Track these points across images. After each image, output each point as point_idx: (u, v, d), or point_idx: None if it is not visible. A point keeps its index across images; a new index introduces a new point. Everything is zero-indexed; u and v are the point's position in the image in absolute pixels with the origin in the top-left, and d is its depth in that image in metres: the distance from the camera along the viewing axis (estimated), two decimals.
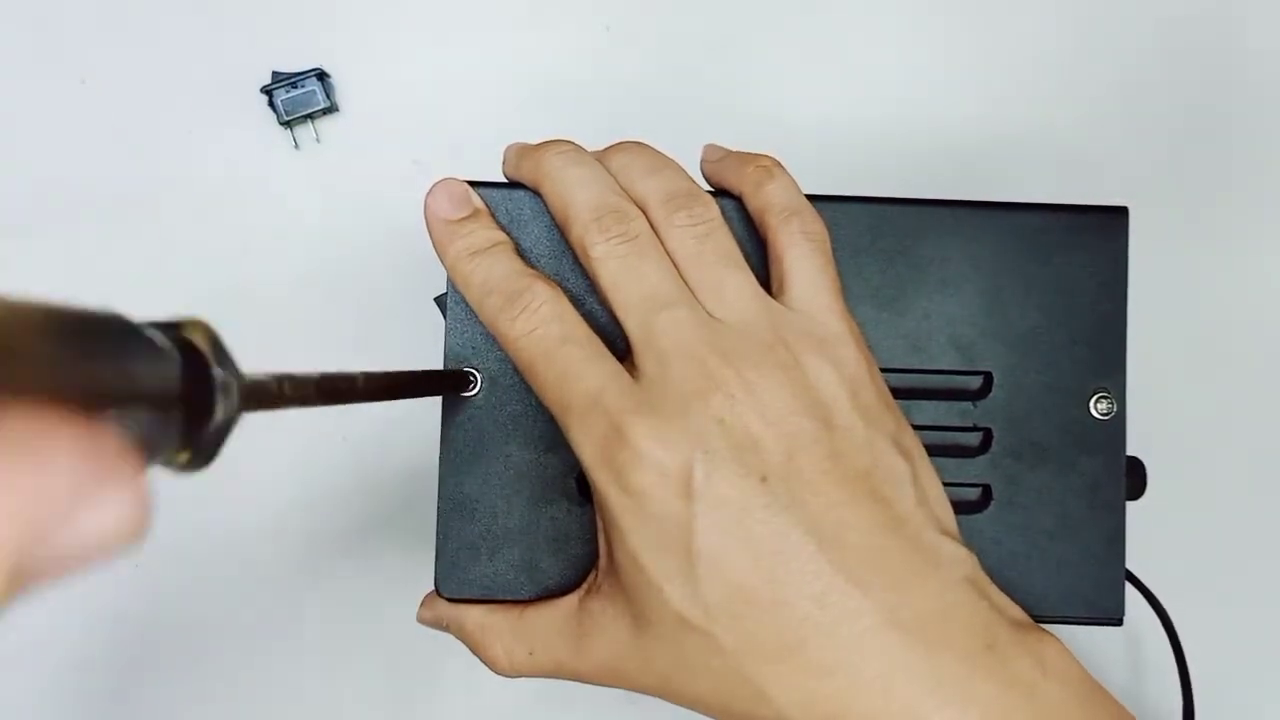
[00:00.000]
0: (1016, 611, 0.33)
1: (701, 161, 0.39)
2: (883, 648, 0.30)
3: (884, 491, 0.32)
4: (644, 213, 0.35)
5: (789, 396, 0.32)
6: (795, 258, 0.35)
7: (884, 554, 0.31)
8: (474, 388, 0.38)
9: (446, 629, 0.38)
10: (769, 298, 0.34)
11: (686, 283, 0.34)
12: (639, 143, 0.37)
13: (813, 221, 0.36)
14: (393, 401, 0.53)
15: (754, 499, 0.31)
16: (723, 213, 0.36)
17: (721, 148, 0.39)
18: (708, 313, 0.33)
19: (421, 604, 0.39)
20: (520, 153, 0.38)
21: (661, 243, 0.34)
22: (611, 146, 0.37)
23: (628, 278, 0.34)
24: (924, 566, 0.32)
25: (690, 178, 0.36)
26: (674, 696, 0.33)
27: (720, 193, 0.38)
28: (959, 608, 0.32)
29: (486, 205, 0.38)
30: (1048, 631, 0.33)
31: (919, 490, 0.33)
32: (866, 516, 0.32)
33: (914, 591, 0.31)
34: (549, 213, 0.37)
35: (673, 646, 0.32)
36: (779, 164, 0.37)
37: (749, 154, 0.38)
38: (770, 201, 0.36)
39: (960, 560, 0.33)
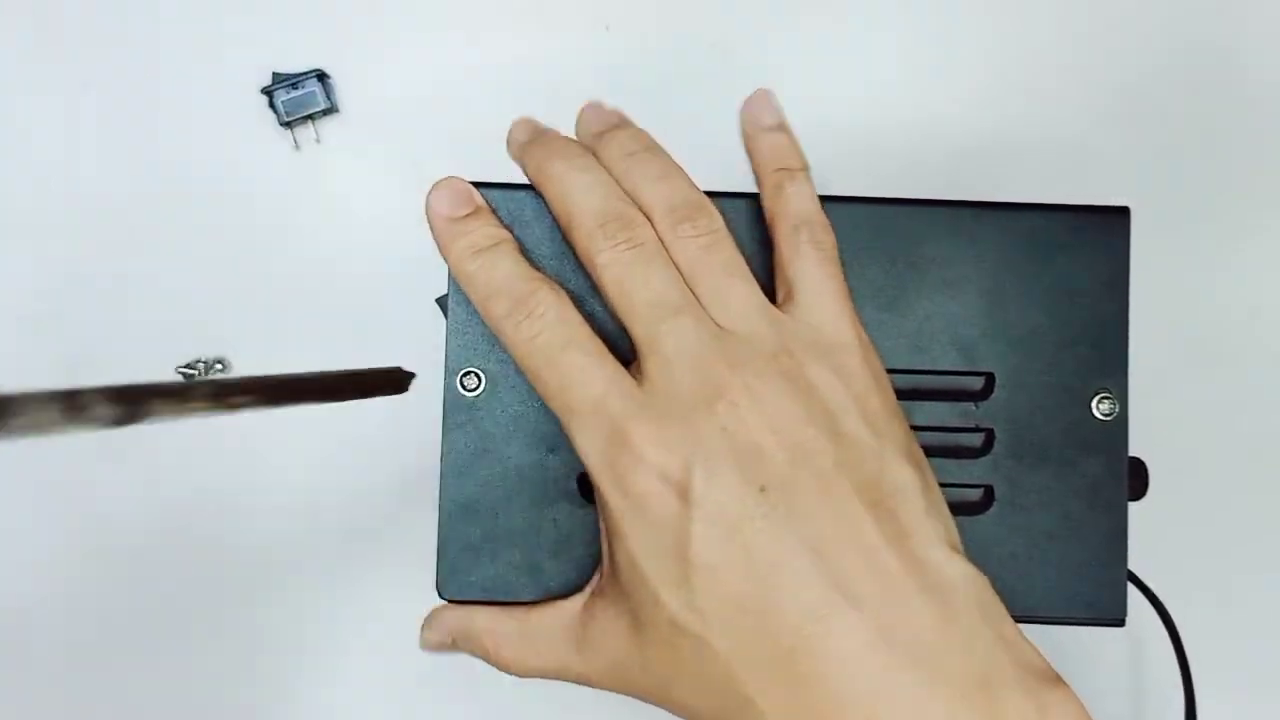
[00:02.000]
0: (1029, 652, 0.31)
1: (747, 121, 0.38)
2: (871, 666, 0.29)
3: (890, 504, 0.31)
4: (649, 219, 0.35)
5: (794, 405, 0.31)
6: (801, 267, 0.35)
7: (885, 570, 0.30)
8: (476, 388, 0.38)
9: (454, 646, 0.38)
10: (774, 308, 0.34)
11: (692, 291, 0.34)
12: (639, 133, 0.37)
13: (823, 231, 0.35)
14: (392, 400, 0.53)
15: (753, 508, 0.30)
16: (726, 221, 0.36)
17: (778, 116, 0.38)
18: (714, 321, 0.33)
19: (422, 628, 0.39)
20: (527, 141, 0.37)
21: (667, 252, 0.34)
22: (609, 133, 0.37)
23: (634, 284, 0.33)
24: (926, 586, 0.31)
25: (695, 186, 0.36)
26: (672, 704, 0.32)
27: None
28: (958, 634, 0.30)
29: (488, 204, 0.38)
30: (1062, 682, 0.31)
31: (928, 502, 0.32)
32: (870, 529, 0.31)
33: (912, 611, 0.30)
34: (551, 214, 0.37)
35: (669, 651, 0.31)
36: (804, 169, 0.37)
37: (783, 148, 0.37)
38: (785, 209, 0.36)
39: (969, 580, 0.31)
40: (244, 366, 0.53)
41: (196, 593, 0.53)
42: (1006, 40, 0.56)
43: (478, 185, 0.39)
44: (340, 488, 0.53)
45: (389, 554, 0.53)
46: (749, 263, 0.36)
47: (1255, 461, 0.54)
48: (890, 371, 0.38)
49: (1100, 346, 0.39)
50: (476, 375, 0.38)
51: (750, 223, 0.38)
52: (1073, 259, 0.39)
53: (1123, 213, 0.39)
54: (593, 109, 0.39)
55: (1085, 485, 0.38)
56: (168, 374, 0.53)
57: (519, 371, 0.38)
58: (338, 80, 0.54)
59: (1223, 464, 0.54)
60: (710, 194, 0.37)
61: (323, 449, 0.53)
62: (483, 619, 0.37)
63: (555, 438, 0.38)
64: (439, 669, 0.53)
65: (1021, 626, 0.43)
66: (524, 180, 0.39)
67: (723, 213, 0.36)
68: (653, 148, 0.36)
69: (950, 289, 0.39)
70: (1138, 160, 0.55)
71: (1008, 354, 0.39)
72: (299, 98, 0.53)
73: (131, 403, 0.25)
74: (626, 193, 0.35)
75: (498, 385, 0.38)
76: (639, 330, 0.33)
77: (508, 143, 0.38)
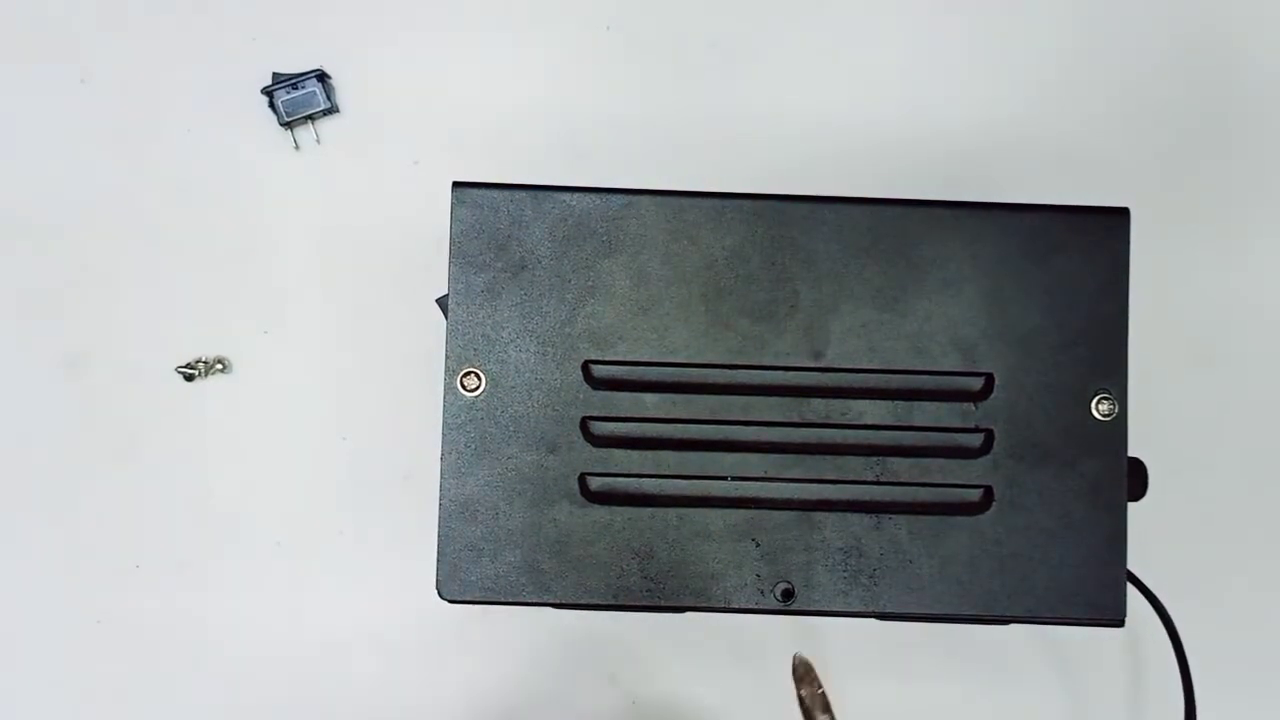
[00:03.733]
0: None
1: None
2: None
3: None
4: None
5: None
6: None
7: None
8: (477, 388, 0.38)
9: None
10: None
11: None
12: None
13: None
14: (392, 399, 0.53)
15: None
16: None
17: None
18: None
19: None
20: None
21: None
22: None
23: None
24: None
25: None
26: None
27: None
28: None
29: (487, 205, 0.38)
30: None
31: None
32: None
33: None
34: (550, 214, 0.37)
35: None
36: None
37: None
38: None
39: None
40: (244, 366, 0.53)
41: (196, 592, 0.53)
42: (1006, 40, 0.56)
43: (476, 185, 0.39)
44: (338, 486, 0.53)
45: (388, 553, 0.53)
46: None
47: (1255, 461, 0.54)
48: (890, 372, 0.39)
49: (1099, 347, 0.39)
50: (477, 375, 0.38)
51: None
52: (1072, 259, 0.39)
53: (1122, 213, 0.39)
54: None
55: (1085, 485, 0.38)
56: (168, 373, 0.53)
57: (519, 371, 0.38)
58: (338, 81, 0.54)
59: (1223, 464, 0.54)
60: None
61: (321, 447, 0.53)
62: None
63: (555, 438, 0.38)
64: (440, 669, 0.53)
65: (1020, 626, 0.43)
66: (524, 180, 0.40)
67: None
68: None
69: (950, 289, 0.39)
70: (1138, 160, 0.55)
71: (1007, 354, 0.39)
72: (299, 98, 0.53)
73: None
74: None
75: (498, 385, 0.38)
76: None
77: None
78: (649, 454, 0.39)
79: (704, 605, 0.38)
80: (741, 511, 0.38)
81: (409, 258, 0.53)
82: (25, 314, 0.54)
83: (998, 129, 0.55)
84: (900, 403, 0.39)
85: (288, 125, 0.53)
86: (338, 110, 0.54)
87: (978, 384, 0.39)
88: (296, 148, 0.54)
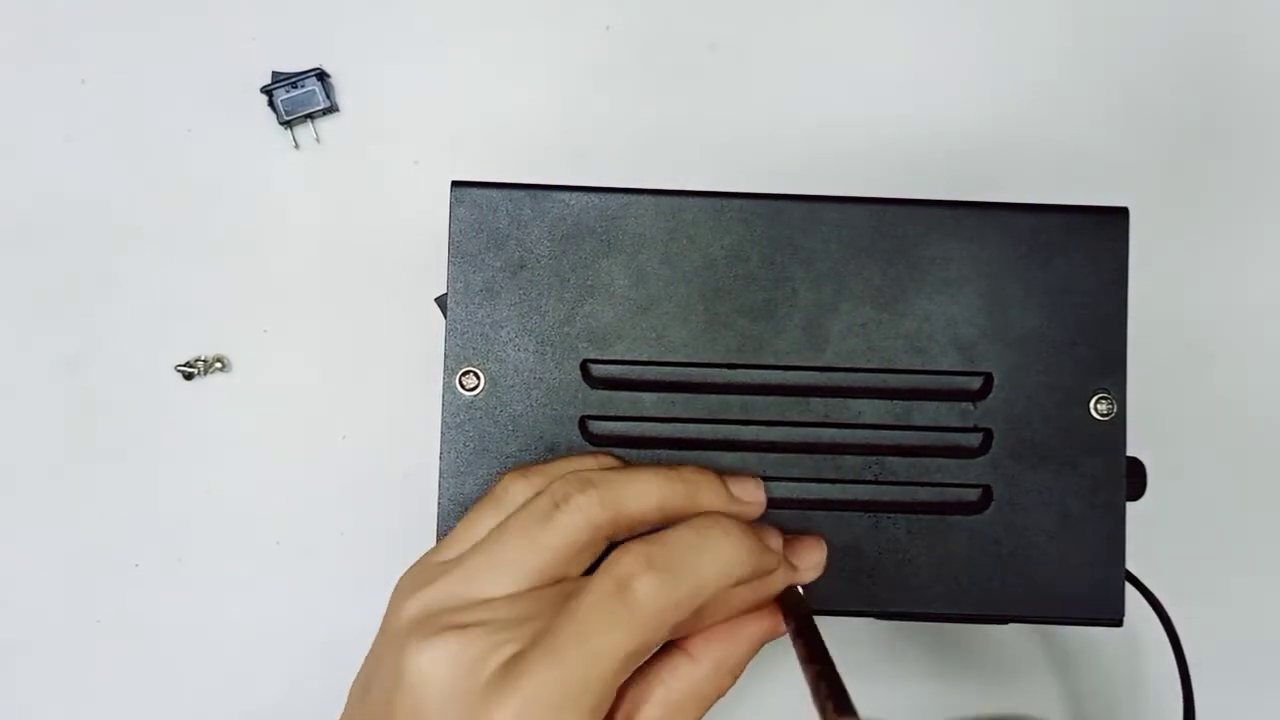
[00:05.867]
0: None
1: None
2: None
3: None
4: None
5: None
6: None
7: None
8: (476, 387, 0.38)
9: None
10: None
11: None
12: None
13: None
14: (392, 399, 0.53)
15: None
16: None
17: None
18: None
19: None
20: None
21: None
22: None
23: None
24: None
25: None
26: None
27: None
28: None
29: (487, 204, 0.39)
30: None
31: None
32: None
33: None
34: (549, 213, 0.37)
35: None
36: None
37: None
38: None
39: None
40: (244, 366, 0.53)
41: (196, 592, 0.53)
42: (1007, 40, 0.56)
43: (476, 184, 0.39)
44: (338, 486, 0.53)
45: (387, 553, 0.53)
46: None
47: (1254, 461, 0.54)
48: (889, 371, 0.39)
49: (1099, 346, 0.39)
50: (475, 375, 0.38)
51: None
52: (1071, 259, 0.39)
53: (1121, 213, 0.39)
54: None
55: (1083, 485, 0.38)
56: (167, 373, 0.53)
57: (517, 370, 0.38)
58: (338, 80, 0.54)
59: (1222, 464, 0.54)
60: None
61: (321, 447, 0.53)
62: None
63: (554, 437, 0.38)
64: None
65: (1020, 626, 0.43)
66: (523, 180, 0.40)
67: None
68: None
69: (949, 289, 0.39)
70: (1138, 160, 0.55)
71: (1006, 354, 0.39)
72: (299, 97, 0.53)
73: None
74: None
75: (497, 385, 0.38)
76: None
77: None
78: (648, 453, 0.39)
79: None
80: None
81: (409, 257, 0.53)
82: (25, 314, 0.54)
83: (998, 129, 0.55)
84: (899, 402, 0.39)
85: (288, 124, 0.53)
86: (338, 110, 0.54)
87: (977, 383, 0.39)
88: (296, 147, 0.54)
